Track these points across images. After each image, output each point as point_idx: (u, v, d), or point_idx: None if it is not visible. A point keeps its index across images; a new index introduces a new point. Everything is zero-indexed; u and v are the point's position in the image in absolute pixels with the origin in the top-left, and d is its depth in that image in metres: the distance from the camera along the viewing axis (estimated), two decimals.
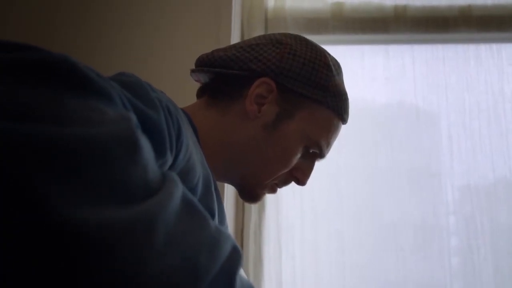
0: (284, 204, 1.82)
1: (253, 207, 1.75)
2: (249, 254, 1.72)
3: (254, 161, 0.82)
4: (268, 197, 1.77)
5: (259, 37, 0.89)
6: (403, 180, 1.87)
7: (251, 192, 0.86)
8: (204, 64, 0.86)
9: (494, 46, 1.92)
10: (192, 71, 0.89)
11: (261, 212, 1.76)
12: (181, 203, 0.43)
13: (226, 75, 0.83)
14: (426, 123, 1.91)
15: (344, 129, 1.89)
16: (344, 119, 0.90)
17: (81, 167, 0.38)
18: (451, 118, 1.89)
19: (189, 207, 0.44)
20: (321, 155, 0.88)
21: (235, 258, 0.47)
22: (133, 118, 0.45)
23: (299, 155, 0.85)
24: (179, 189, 0.44)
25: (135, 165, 0.41)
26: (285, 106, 0.82)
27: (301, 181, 0.88)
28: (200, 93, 0.89)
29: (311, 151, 0.86)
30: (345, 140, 1.91)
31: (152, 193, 0.41)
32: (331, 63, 0.87)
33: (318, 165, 1.87)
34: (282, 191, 1.81)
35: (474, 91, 1.89)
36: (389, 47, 1.95)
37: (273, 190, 0.89)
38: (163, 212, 0.40)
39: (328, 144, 0.88)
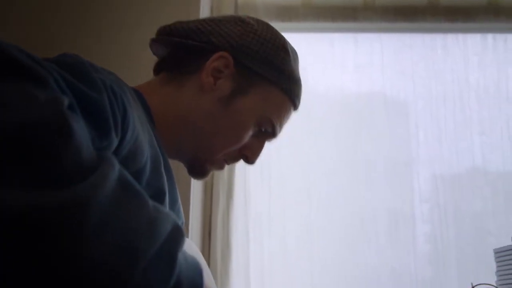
0: (252, 192, 1.82)
1: (221, 195, 1.75)
2: (217, 242, 1.72)
3: (207, 133, 0.83)
4: (236, 185, 1.78)
5: (223, 15, 0.92)
6: (373, 168, 1.89)
7: (201, 168, 0.87)
8: (165, 33, 0.86)
9: (460, 36, 1.95)
10: (153, 40, 0.89)
11: (229, 200, 1.76)
12: (117, 184, 0.43)
13: (185, 45, 0.84)
14: (395, 111, 1.94)
15: (314, 117, 1.92)
16: (295, 105, 0.91)
17: (9, 152, 0.38)
18: (418, 106, 1.92)
19: (126, 188, 0.44)
20: (273, 134, 0.89)
21: (176, 237, 0.47)
22: (65, 100, 0.45)
23: (251, 132, 0.86)
24: (115, 170, 0.44)
25: (67, 148, 0.41)
26: (241, 82, 0.83)
27: (250, 159, 0.89)
28: (157, 68, 0.89)
29: (263, 129, 0.87)
30: (315, 129, 1.92)
31: (86, 175, 0.41)
32: (289, 48, 0.88)
33: (287, 153, 1.89)
34: (251, 179, 1.83)
35: (441, 80, 1.92)
36: (358, 35, 1.97)
37: (221, 167, 0.90)
38: (97, 194, 0.40)
39: (280, 124, 0.89)
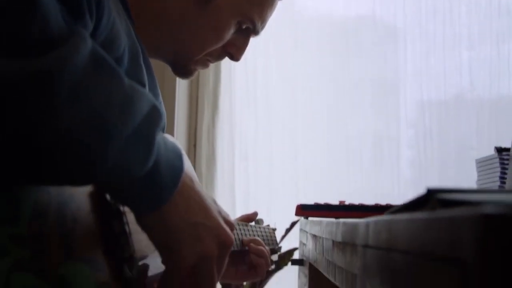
0: (238, 103, 1.81)
1: (206, 107, 1.74)
2: (202, 153, 1.73)
3: (186, 36, 0.79)
4: (222, 97, 1.77)
5: None
6: (360, 90, 1.89)
7: (184, 68, 0.84)
8: None
9: None
10: None
11: (214, 111, 1.75)
12: (89, 58, 0.41)
13: None
14: (384, 29, 1.91)
15: (302, 36, 1.88)
16: None
17: None
18: (408, 21, 1.89)
19: (99, 62, 0.43)
20: (255, 31, 0.85)
21: (153, 117, 0.46)
22: None
23: (232, 30, 0.82)
24: (88, 44, 0.42)
25: (32, 17, 0.39)
26: None
27: (235, 57, 0.86)
28: None
29: (244, 26, 0.83)
30: (302, 47, 1.89)
31: (54, 46, 0.39)
32: None
33: (274, 69, 1.87)
34: (236, 91, 1.81)
35: None
36: None
37: (206, 66, 0.87)
38: (68, 64, 0.39)
39: (263, 20, 0.85)
